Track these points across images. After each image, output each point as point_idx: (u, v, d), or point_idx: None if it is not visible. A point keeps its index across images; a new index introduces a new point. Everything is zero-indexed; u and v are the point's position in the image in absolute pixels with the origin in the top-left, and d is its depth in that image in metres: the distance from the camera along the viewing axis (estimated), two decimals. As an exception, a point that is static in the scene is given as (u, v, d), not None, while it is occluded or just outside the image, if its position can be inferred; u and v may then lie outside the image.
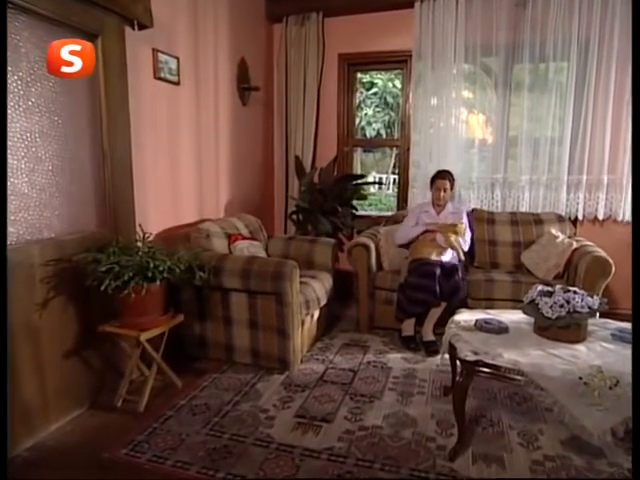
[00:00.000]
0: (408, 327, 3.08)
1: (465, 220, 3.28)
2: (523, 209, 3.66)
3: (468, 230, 3.29)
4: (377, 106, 6.22)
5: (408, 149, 3.92)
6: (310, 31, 3.88)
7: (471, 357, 1.83)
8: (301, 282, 2.82)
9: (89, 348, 2.31)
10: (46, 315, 2.07)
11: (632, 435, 1.33)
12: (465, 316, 2.24)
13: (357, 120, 6.41)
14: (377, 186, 6.68)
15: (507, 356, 1.80)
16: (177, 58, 2.89)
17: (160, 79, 2.78)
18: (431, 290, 2.89)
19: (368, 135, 6.12)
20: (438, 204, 3.29)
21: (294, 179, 4.03)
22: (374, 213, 4.76)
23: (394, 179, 4.14)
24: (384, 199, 5.86)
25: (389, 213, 3.97)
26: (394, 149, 3.94)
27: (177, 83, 2.91)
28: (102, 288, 2.07)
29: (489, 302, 3.02)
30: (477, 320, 2.10)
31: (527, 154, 3.63)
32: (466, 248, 3.23)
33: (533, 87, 3.58)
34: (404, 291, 2.99)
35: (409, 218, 3.36)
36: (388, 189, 6.58)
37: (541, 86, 3.56)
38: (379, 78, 5.98)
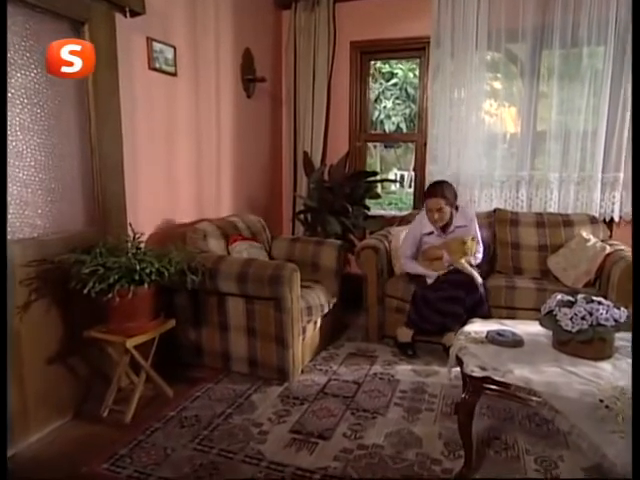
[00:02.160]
0: (405, 334, 3.00)
1: (476, 230, 3.06)
2: (551, 209, 3.53)
3: (480, 242, 3.07)
4: (397, 98, 6.14)
5: (425, 144, 3.83)
6: (320, 17, 3.84)
7: (478, 373, 1.75)
8: (303, 287, 2.77)
9: (74, 354, 2.31)
10: (27, 319, 2.07)
11: (632, 435, 1.28)
12: (476, 326, 2.15)
13: (376, 113, 6.39)
14: (398, 184, 6.59)
15: (518, 373, 1.71)
16: (174, 47, 2.88)
17: (155, 70, 2.78)
18: (459, 303, 2.81)
19: (387, 129, 6.04)
20: (441, 225, 3.03)
21: (302, 176, 3.99)
22: (393, 212, 4.69)
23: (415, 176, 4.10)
24: (405, 198, 5.78)
25: (405, 213, 3.88)
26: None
27: (174, 74, 2.90)
28: (85, 291, 2.07)
29: (510, 311, 2.92)
30: (489, 332, 2.01)
31: (557, 149, 3.50)
32: (478, 261, 3.06)
33: (564, 75, 3.46)
34: (416, 304, 2.92)
35: (409, 239, 3.11)
36: (410, 187, 6.49)
37: (573, 74, 3.43)
38: (399, 68, 5.91)
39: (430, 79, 3.74)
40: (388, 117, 6.32)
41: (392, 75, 6.10)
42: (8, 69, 1.97)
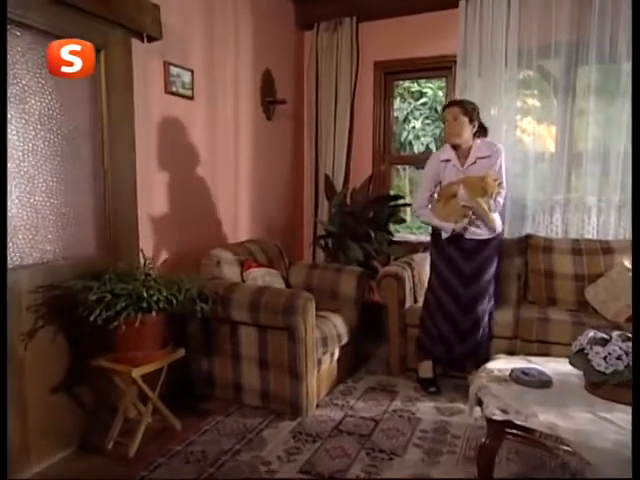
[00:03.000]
0: (426, 368, 2.91)
1: (501, 167, 2.75)
2: (589, 236, 3.38)
3: (503, 181, 2.74)
4: (427, 118, 6.10)
5: (452, 166, 3.76)
6: (343, 38, 3.88)
7: (499, 416, 1.66)
8: (320, 316, 2.74)
9: (81, 383, 2.32)
10: (32, 346, 2.10)
11: (632, 435, 1.27)
12: (500, 364, 2.05)
13: (404, 134, 6.36)
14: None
15: (544, 418, 1.61)
16: (191, 71, 2.95)
17: (172, 93, 2.84)
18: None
19: (416, 150, 5.99)
20: (453, 143, 2.75)
21: (324, 200, 3.98)
22: (422, 238, 4.60)
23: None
24: None
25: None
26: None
27: (191, 97, 2.96)
28: (91, 318, 2.08)
29: (542, 345, 2.80)
30: (513, 370, 1.92)
31: (595, 171, 3.37)
32: (499, 208, 2.78)
33: (602, 92, 3.35)
34: (423, 322, 2.83)
35: (425, 180, 2.89)
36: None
37: (612, 90, 3.32)
38: (428, 87, 5.89)
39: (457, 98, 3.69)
40: (417, 138, 6.26)
41: (421, 94, 6.08)
42: (23, 95, 2.05)
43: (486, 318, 2.84)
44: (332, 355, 2.85)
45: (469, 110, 2.73)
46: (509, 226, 3.56)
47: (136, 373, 2.21)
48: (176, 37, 2.83)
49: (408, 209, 4.19)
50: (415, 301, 3.22)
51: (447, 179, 2.77)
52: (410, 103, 6.16)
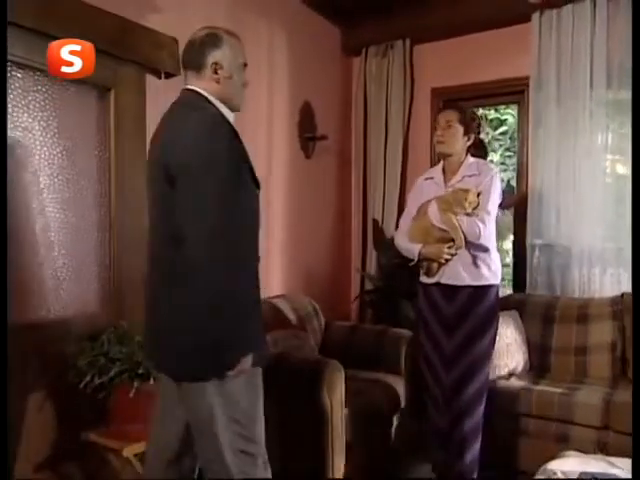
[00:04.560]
0: None
1: (489, 186, 2.50)
2: None
3: (490, 206, 2.48)
4: (507, 149, 5.97)
5: (525, 210, 3.65)
6: (394, 63, 3.97)
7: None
8: (355, 389, 2.66)
9: (71, 459, 2.37)
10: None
11: (632, 435, 1.31)
12: (568, 464, 1.87)
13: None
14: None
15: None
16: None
17: (192, 132, 2.98)
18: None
19: (495, 188, 5.88)
20: (440, 153, 2.65)
21: (373, 250, 3.96)
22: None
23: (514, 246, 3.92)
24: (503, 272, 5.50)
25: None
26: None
27: (214, 136, 3.09)
28: (81, 385, 2.15)
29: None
30: (582, 474, 1.74)
31: None
32: (479, 236, 2.44)
33: None
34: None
35: (408, 203, 2.79)
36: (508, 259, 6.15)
37: None
38: (509, 113, 5.79)
39: (531, 128, 3.63)
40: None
41: (501, 122, 5.98)
42: (24, 140, 2.24)
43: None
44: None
45: (467, 119, 2.62)
46: (601, 284, 3.36)
47: (129, 451, 2.22)
48: (198, 70, 2.99)
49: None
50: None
51: (425, 198, 2.63)
52: (487, 133, 6.08)
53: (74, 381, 2.19)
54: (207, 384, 1.62)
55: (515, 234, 3.90)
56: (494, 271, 2.56)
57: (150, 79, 2.75)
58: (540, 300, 3.40)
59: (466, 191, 2.45)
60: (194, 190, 1.56)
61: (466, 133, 2.60)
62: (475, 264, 2.51)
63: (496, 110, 5.79)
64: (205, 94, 1.74)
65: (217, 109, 1.73)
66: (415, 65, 4.00)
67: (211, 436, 1.66)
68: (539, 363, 3.24)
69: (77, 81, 2.40)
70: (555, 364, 3.22)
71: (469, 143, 2.63)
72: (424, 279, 2.64)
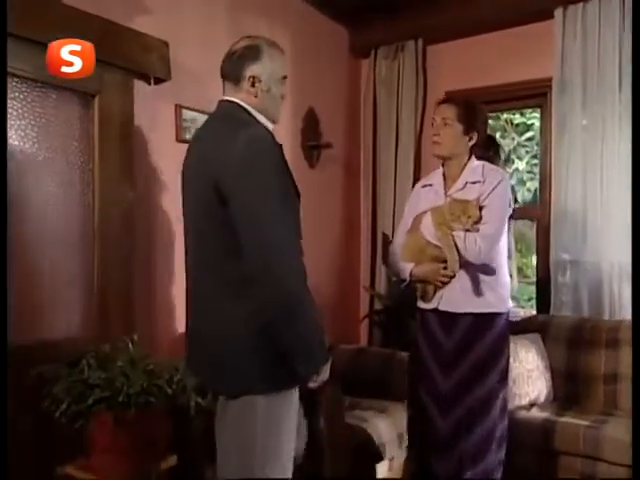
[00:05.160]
0: None
1: (496, 200, 2.33)
2: None
3: (495, 219, 2.31)
4: (534, 157, 5.88)
5: (549, 224, 3.60)
6: (405, 65, 3.95)
7: None
8: (357, 417, 2.68)
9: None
10: (-14, 449, 2.16)
11: (632, 434, 1.29)
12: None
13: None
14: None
15: None
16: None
17: (185, 142, 2.95)
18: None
19: (520, 199, 5.76)
20: (436, 155, 2.50)
21: (382, 266, 3.92)
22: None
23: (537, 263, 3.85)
24: (522, 291, 5.36)
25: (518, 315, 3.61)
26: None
27: (210, 146, 3.08)
28: (57, 414, 2.12)
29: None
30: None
31: None
32: (481, 256, 2.28)
33: None
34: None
35: (406, 213, 2.61)
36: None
37: None
38: (535, 117, 5.72)
39: (555, 134, 3.58)
40: (522, 183, 6.06)
41: (527, 127, 5.90)
42: None
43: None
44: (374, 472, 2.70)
45: (468, 115, 2.41)
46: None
47: (104, 487, 2.20)
48: (191, 75, 2.98)
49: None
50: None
51: (422, 208, 2.47)
52: (513, 139, 5.98)
53: (50, 409, 2.17)
54: (258, 398, 1.71)
55: (538, 249, 3.87)
56: (501, 297, 2.40)
57: (139, 85, 2.76)
58: (565, 322, 3.33)
59: (465, 202, 2.30)
60: (250, 208, 1.68)
61: (467, 131, 2.41)
62: (477, 288, 2.34)
63: (522, 114, 5.72)
64: (246, 106, 1.83)
65: (261, 123, 1.83)
66: (428, 67, 3.97)
67: (248, 453, 1.74)
68: (564, 392, 3.17)
69: (59, 87, 2.43)
70: (582, 393, 3.13)
71: (472, 143, 2.44)
72: (421, 304, 2.50)
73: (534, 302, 3.94)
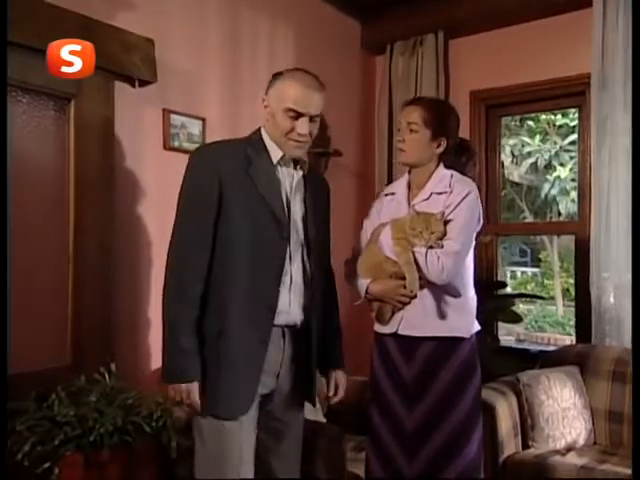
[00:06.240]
0: None
1: (462, 213, 2.29)
2: None
3: (461, 235, 2.27)
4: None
5: (589, 240, 3.54)
6: (424, 60, 3.95)
7: None
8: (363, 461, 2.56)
9: None
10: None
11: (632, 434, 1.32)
12: None
13: (545, 187, 6.10)
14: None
15: None
16: (202, 119, 3.11)
17: (173, 149, 3.00)
18: None
19: (563, 210, 5.71)
20: (401, 163, 2.50)
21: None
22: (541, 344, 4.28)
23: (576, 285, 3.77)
24: (564, 318, 5.28)
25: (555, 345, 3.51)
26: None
27: (200, 154, 3.10)
28: (19, 456, 2.12)
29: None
30: None
31: None
32: (444, 275, 2.22)
33: None
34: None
35: (366, 223, 2.57)
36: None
37: None
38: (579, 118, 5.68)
39: (594, 138, 3.52)
40: (564, 192, 6.01)
41: (571, 129, 5.85)
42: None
43: None
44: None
45: (436, 119, 2.36)
46: None
47: (74, 542, 2.18)
48: (181, 77, 3.02)
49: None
50: (524, 446, 2.99)
51: (383, 219, 2.45)
52: (555, 142, 5.89)
53: (12, 450, 2.17)
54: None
55: (577, 269, 3.81)
56: (466, 320, 2.35)
57: (122, 87, 2.79)
58: (608, 353, 3.25)
59: (429, 216, 2.25)
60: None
61: (435, 137, 2.36)
62: (440, 310, 2.29)
63: (564, 115, 5.65)
64: (262, 129, 2.15)
65: (267, 149, 2.10)
66: (450, 63, 3.98)
67: (298, 447, 2.27)
68: (606, 435, 3.10)
69: (31, 91, 2.48)
70: (627, 436, 3.02)
71: (440, 150, 2.40)
72: (377, 327, 2.43)
73: (573, 330, 3.87)
